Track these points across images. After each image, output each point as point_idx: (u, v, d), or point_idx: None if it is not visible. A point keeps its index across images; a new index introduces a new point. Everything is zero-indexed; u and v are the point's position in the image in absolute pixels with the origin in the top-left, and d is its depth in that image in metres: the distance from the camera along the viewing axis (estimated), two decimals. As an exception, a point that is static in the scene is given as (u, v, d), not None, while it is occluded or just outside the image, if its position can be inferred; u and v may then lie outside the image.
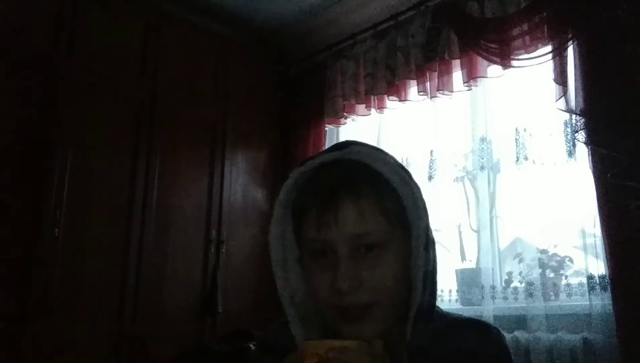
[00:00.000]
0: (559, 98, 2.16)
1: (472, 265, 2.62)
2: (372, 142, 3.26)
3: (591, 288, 2.07)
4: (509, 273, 2.46)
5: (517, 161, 2.40)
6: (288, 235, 0.87)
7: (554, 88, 2.19)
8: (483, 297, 2.41)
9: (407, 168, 0.85)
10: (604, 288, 2.02)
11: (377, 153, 0.84)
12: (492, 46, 2.40)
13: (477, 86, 2.56)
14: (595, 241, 2.10)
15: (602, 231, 2.00)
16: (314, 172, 0.83)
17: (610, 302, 1.96)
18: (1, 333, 2.19)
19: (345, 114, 3.06)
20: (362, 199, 0.79)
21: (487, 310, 2.35)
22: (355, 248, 0.78)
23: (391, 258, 0.80)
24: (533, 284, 2.25)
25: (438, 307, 0.85)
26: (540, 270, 2.28)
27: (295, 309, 0.86)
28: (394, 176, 0.82)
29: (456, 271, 2.61)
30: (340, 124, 3.15)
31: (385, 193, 0.81)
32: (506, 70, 2.40)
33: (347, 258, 0.78)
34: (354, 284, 0.77)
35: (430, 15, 2.69)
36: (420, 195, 0.82)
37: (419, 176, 2.77)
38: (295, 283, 0.87)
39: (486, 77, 2.52)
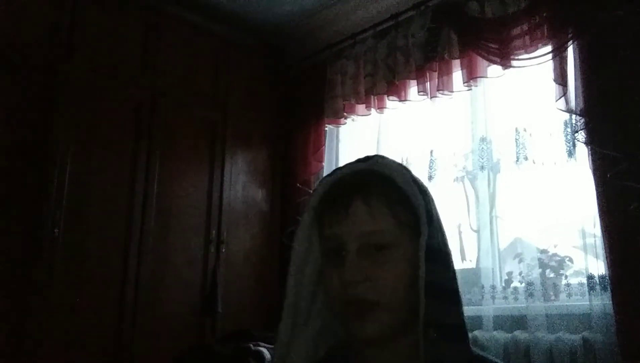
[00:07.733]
0: (559, 98, 2.16)
1: (472, 265, 2.62)
2: (372, 142, 3.25)
3: (591, 288, 2.07)
4: (509, 273, 2.45)
5: (517, 161, 2.39)
6: (314, 243, 0.91)
7: (554, 88, 2.19)
8: (483, 297, 2.41)
9: (424, 184, 0.89)
10: (604, 288, 2.02)
11: (397, 166, 0.89)
12: (492, 45, 2.40)
13: (477, 86, 2.55)
14: (595, 241, 2.10)
15: (602, 231, 1.99)
16: (337, 181, 0.89)
17: (610, 302, 1.96)
18: (2, 333, 2.19)
19: (345, 114, 3.06)
20: (372, 199, 0.83)
21: (487, 310, 2.34)
22: (365, 246, 0.81)
23: (400, 261, 0.82)
24: (533, 284, 2.25)
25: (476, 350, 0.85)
26: (540, 270, 2.28)
27: (294, 312, 0.89)
28: (409, 186, 0.86)
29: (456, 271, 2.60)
30: (340, 124, 3.15)
31: (397, 199, 0.84)
32: (506, 70, 2.39)
33: (355, 253, 0.81)
34: (359, 277, 0.80)
35: (430, 15, 2.69)
36: (432, 208, 0.85)
37: (419, 176, 2.76)
38: (306, 287, 0.91)
39: (486, 77, 2.52)
